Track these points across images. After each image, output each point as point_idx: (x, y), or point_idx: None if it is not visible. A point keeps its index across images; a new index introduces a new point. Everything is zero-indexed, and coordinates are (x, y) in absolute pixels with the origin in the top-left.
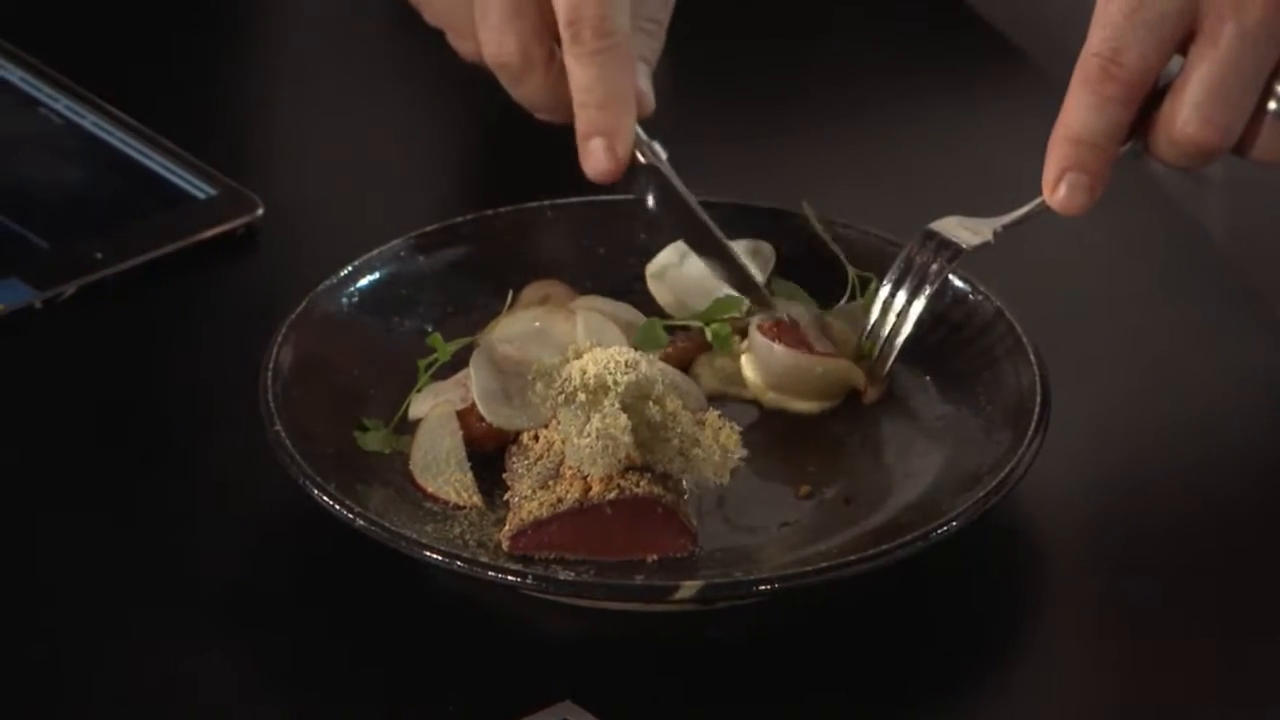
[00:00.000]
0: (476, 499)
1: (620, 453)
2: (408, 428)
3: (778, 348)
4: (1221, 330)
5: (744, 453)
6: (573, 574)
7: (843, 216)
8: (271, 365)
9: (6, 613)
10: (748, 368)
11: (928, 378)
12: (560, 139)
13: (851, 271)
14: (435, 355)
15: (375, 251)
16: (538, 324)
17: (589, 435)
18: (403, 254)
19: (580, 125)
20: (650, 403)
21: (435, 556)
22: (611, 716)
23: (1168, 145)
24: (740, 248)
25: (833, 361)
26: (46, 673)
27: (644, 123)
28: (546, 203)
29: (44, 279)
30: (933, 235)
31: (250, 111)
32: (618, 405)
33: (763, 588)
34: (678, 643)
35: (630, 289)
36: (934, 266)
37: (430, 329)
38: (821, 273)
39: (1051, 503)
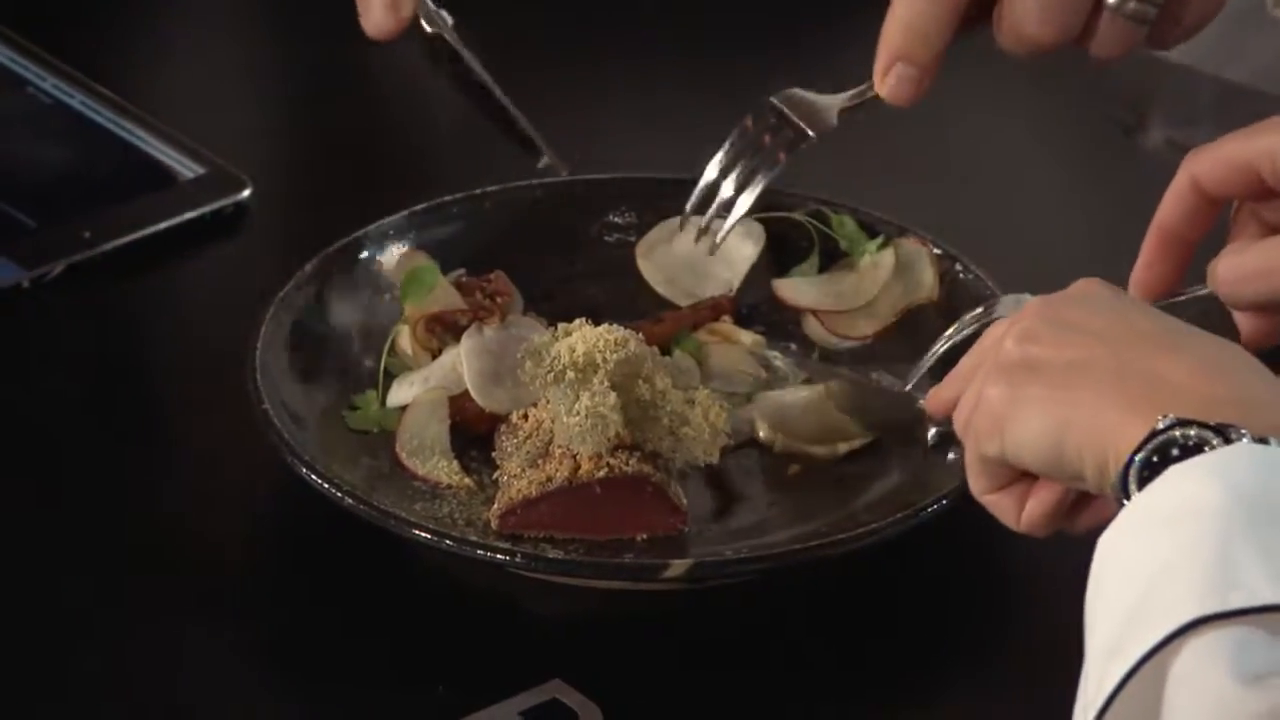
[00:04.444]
0: (466, 481)
1: (609, 431)
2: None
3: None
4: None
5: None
6: (562, 553)
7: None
8: (260, 344)
9: None
10: (762, 428)
11: (920, 358)
12: (552, 121)
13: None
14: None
15: (364, 230)
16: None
17: (578, 413)
18: (391, 232)
19: None
20: (640, 381)
21: (424, 535)
22: (601, 694)
23: (1010, 40)
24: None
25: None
26: (35, 652)
27: None
28: (536, 181)
29: (32, 258)
30: (775, 110)
31: (238, 90)
32: (607, 383)
33: (752, 566)
34: (667, 621)
35: (620, 267)
36: (777, 152)
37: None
38: (798, 244)
39: None
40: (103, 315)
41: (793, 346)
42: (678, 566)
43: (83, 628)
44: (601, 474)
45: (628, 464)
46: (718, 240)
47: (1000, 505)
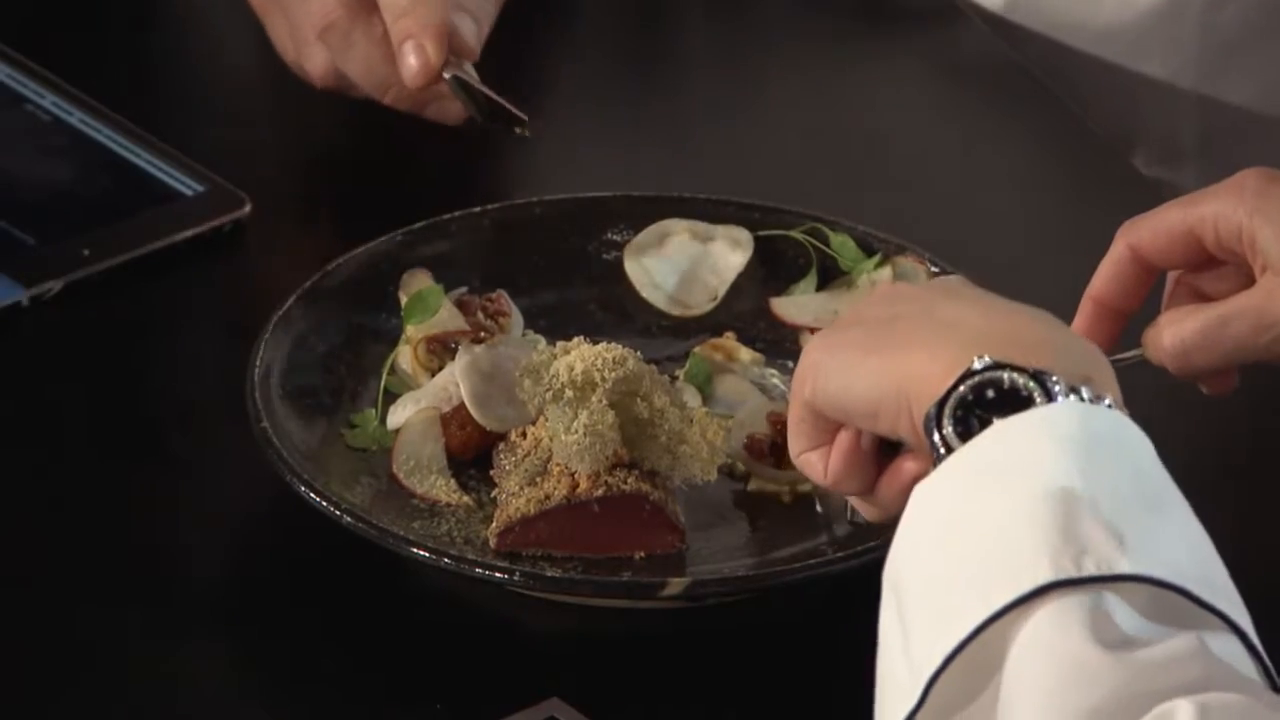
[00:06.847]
0: (465, 499)
1: (608, 449)
2: None
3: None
4: None
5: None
6: (560, 571)
7: (829, 212)
8: (259, 362)
9: None
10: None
11: None
12: (550, 139)
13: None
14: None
15: (362, 248)
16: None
17: (576, 432)
18: (390, 250)
19: (395, 35)
20: (638, 399)
21: (422, 554)
22: (599, 713)
23: None
24: (719, 234)
25: None
26: (33, 672)
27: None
28: (535, 199)
29: (31, 276)
30: None
31: (238, 108)
32: (605, 402)
33: (750, 584)
34: (665, 639)
35: (618, 285)
36: None
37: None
38: (796, 262)
39: None
40: (102, 333)
41: (790, 365)
42: (676, 584)
43: (79, 645)
44: (599, 492)
45: (626, 482)
46: None
47: (809, 462)
